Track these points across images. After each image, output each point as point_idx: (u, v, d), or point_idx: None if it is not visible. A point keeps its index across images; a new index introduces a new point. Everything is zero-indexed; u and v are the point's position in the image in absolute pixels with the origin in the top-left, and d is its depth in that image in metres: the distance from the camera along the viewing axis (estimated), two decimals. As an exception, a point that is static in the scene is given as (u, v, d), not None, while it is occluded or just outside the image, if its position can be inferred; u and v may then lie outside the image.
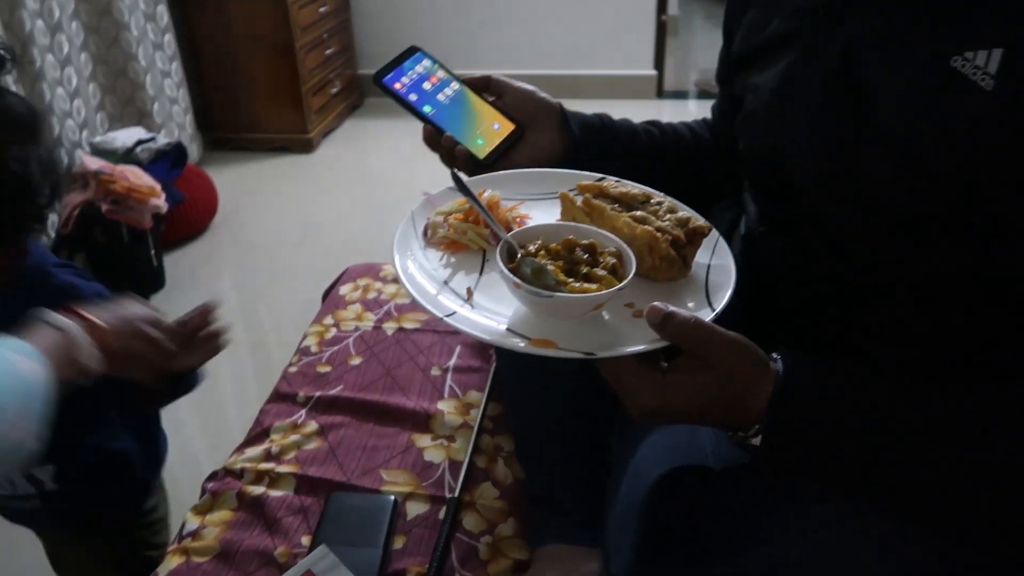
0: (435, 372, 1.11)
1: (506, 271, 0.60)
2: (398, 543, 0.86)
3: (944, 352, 0.64)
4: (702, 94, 4.02)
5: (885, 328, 0.67)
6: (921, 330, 0.65)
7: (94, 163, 2.57)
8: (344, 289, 1.32)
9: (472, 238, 0.73)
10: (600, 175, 0.77)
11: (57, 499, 0.92)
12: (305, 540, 0.86)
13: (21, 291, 0.87)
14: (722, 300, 0.65)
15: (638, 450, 0.77)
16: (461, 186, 0.75)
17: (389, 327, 1.21)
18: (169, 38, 3.22)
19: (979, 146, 0.55)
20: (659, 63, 3.89)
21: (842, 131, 0.64)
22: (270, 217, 3.06)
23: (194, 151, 3.38)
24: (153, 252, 2.59)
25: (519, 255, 0.64)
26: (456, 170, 0.81)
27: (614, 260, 0.64)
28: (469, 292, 0.65)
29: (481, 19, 3.97)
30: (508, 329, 0.61)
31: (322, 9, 3.64)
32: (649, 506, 0.72)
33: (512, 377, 0.98)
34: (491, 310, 0.63)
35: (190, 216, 2.87)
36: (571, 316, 0.62)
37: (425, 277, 0.68)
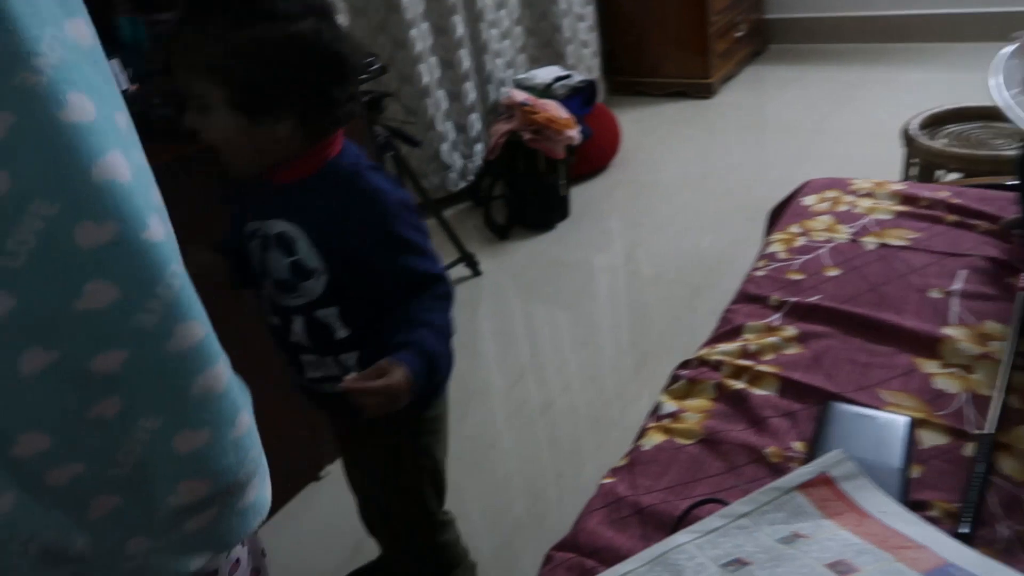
0: (935, 294, 0.94)
1: None
2: (914, 471, 0.72)
3: None
4: None
5: None
6: None
7: (519, 95, 2.76)
8: (808, 200, 1.19)
9: None
10: None
11: None
12: (797, 445, 0.76)
13: (332, 185, 0.93)
14: None
15: None
16: None
17: (869, 242, 1.06)
18: (587, -17, 3.33)
19: None
20: None
21: None
22: (667, 159, 3.03)
23: (600, 92, 3.47)
24: (563, 182, 2.71)
25: None
26: None
27: None
28: None
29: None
30: None
31: (737, -52, 3.47)
32: None
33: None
34: None
35: (595, 152, 2.96)
36: None
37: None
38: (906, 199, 1.14)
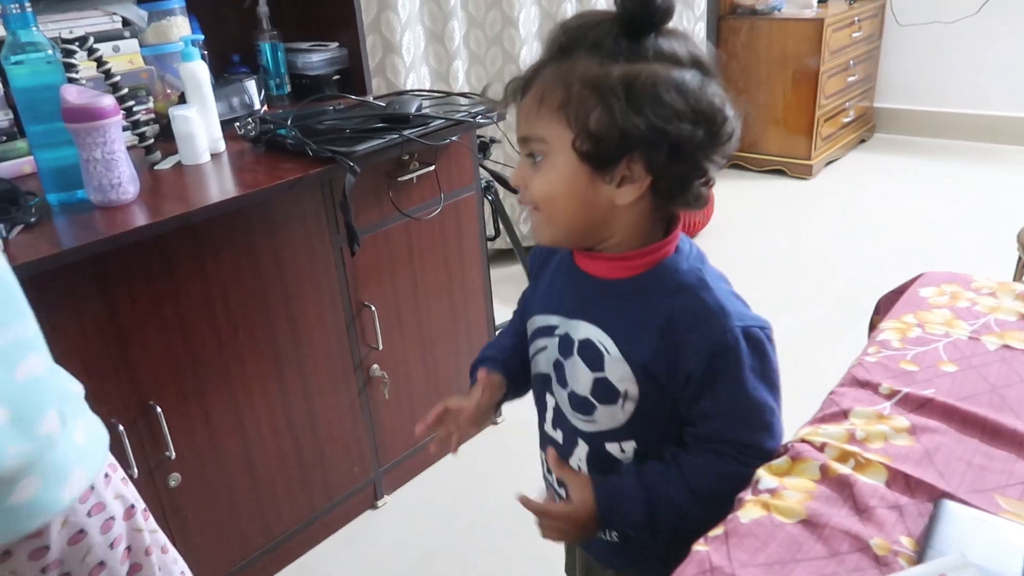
0: (1061, 404, 0.89)
1: None
2: (1035, 586, 0.68)
3: None
4: None
5: None
6: None
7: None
8: (926, 291, 1.16)
9: None
10: None
11: None
12: (905, 540, 0.73)
13: (666, 295, 0.76)
14: None
15: None
16: None
17: (991, 341, 1.02)
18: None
19: None
20: None
21: None
22: (757, 235, 3.00)
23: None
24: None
25: None
26: None
27: None
28: None
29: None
30: None
31: (855, 35, 3.46)
32: None
33: None
34: None
35: (686, 219, 2.96)
36: None
37: None
38: (1030, 302, 1.10)
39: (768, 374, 0.77)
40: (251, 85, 1.74)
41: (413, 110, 1.62)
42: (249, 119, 1.56)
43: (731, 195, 3.34)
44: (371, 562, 1.68)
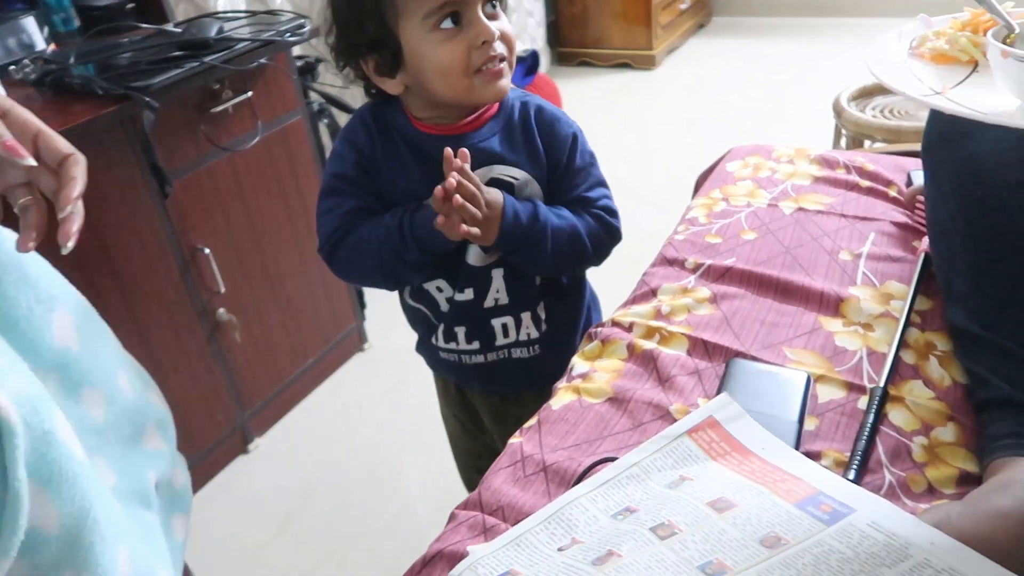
0: (845, 256, 0.96)
1: (992, 40, 0.55)
2: (810, 424, 0.74)
3: None
4: None
5: None
6: None
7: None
8: (732, 166, 1.21)
9: (964, 46, 0.64)
10: None
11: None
12: (702, 401, 0.78)
13: (511, 115, 0.95)
14: None
15: None
16: None
17: (786, 206, 1.08)
18: (533, -50, 3.29)
19: None
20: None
21: None
22: (609, 130, 3.04)
23: (543, 62, 3.46)
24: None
25: (1017, 32, 0.57)
26: None
27: None
28: (945, 90, 0.59)
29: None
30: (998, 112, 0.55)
31: (682, -81, 3.47)
32: None
33: (960, 260, 0.79)
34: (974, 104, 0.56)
35: (537, 122, 2.95)
36: None
37: (896, 70, 0.63)
38: (824, 165, 1.17)
39: None
40: (29, 22, 1.57)
41: (213, 34, 1.51)
42: (27, 61, 1.42)
43: (580, 93, 3.36)
44: (250, 505, 1.66)
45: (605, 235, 0.98)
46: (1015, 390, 0.70)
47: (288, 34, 1.60)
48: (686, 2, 3.67)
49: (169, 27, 1.70)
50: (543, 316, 1.01)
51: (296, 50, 1.86)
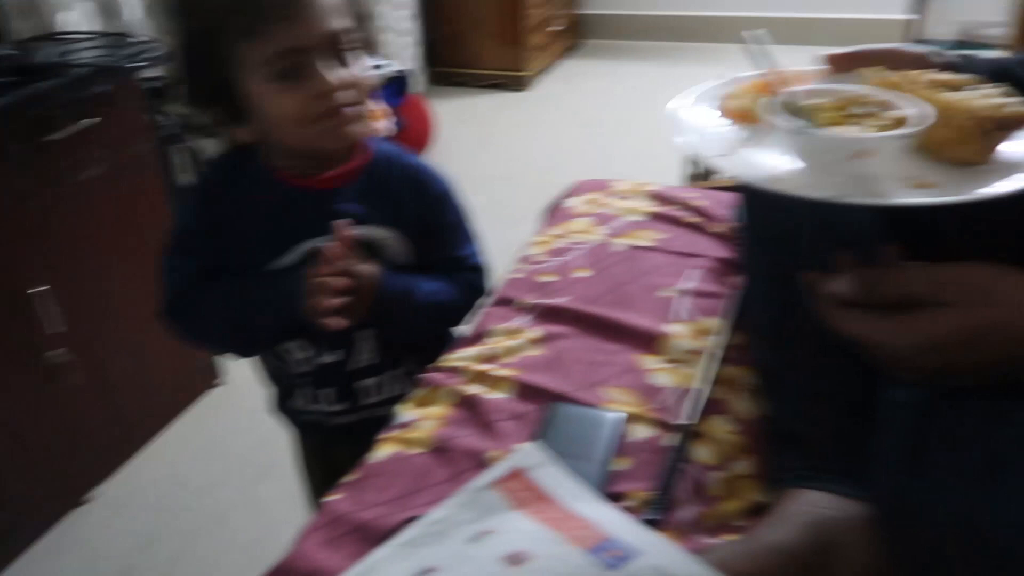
0: (667, 293, 1.00)
1: (769, 109, 0.57)
2: (623, 464, 0.77)
3: None
4: (959, 44, 3.51)
5: None
6: None
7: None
8: (572, 202, 1.24)
9: (757, 107, 0.66)
10: None
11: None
12: (520, 447, 0.79)
13: (377, 173, 0.93)
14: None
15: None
16: (755, 51, 0.66)
17: (619, 243, 1.12)
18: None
19: None
20: (919, 6, 3.44)
21: None
22: (483, 151, 3.07)
23: (419, 82, 3.46)
24: (374, 175, 2.68)
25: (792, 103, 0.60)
26: (753, 34, 0.70)
27: (899, 116, 0.57)
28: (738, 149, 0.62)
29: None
30: (769, 177, 0.57)
31: (550, -55, 3.57)
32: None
33: (761, 298, 0.85)
34: (759, 165, 0.59)
35: (408, 143, 2.92)
36: (832, 160, 0.57)
37: (696, 128, 0.65)
38: (659, 201, 1.22)
39: None
40: None
41: (55, 56, 1.43)
42: None
43: (453, 113, 3.38)
44: (87, 562, 1.56)
45: (474, 296, 1.01)
46: (801, 423, 0.75)
47: (134, 59, 1.54)
48: (557, 24, 3.77)
49: (5, 48, 1.59)
50: (415, 370, 0.98)
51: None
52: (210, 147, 2.52)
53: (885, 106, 0.60)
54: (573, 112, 3.46)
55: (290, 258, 0.91)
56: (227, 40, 0.82)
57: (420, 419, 0.84)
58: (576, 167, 2.87)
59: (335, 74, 0.82)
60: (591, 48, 4.08)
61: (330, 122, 0.84)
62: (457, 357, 0.92)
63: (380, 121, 2.62)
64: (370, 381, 0.99)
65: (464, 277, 0.99)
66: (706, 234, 1.13)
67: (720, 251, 1.09)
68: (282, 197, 0.91)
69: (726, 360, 0.89)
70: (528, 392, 0.86)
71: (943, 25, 3.69)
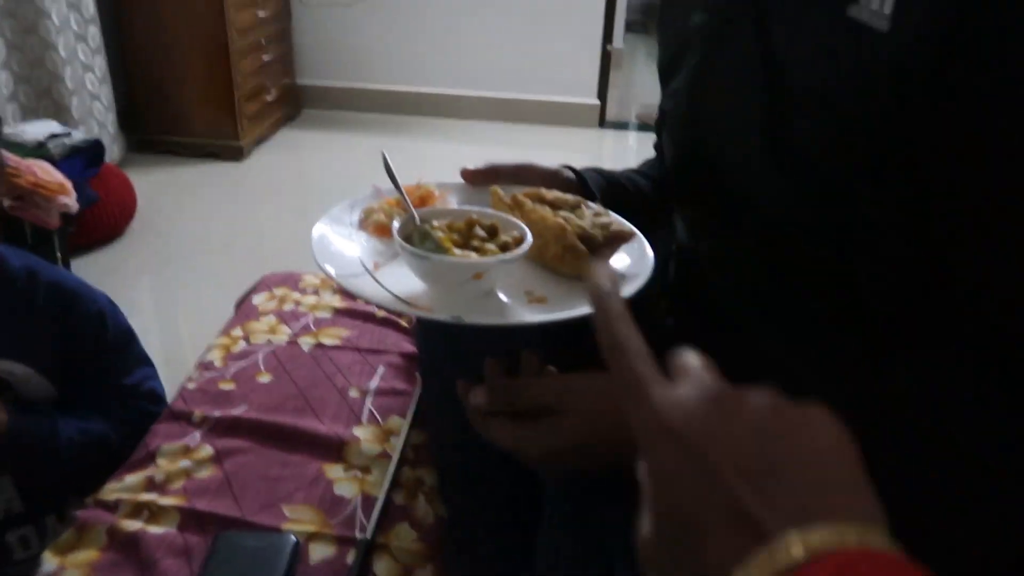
0: (354, 394, 1.00)
1: (396, 235, 0.61)
2: (297, 592, 0.74)
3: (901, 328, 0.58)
4: (643, 126, 4.03)
5: (832, 311, 0.61)
6: (871, 304, 0.59)
7: (-2, 155, 2.37)
8: (258, 299, 1.20)
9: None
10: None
11: None
12: (185, 587, 0.73)
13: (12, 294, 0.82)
14: (633, 288, 0.62)
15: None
16: (388, 171, 0.72)
17: (306, 342, 1.09)
18: (95, 30, 3.04)
19: (880, 89, 0.50)
20: (602, 93, 3.89)
21: (760, 104, 0.61)
22: (193, 224, 2.88)
23: (115, 151, 3.18)
24: (59, 255, 2.39)
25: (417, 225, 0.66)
26: (386, 155, 0.74)
27: (510, 239, 0.64)
28: (376, 266, 0.65)
29: (427, 37, 3.89)
30: (397, 298, 0.61)
31: (261, 13, 3.50)
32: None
33: (437, 399, 0.87)
34: (391, 285, 0.62)
35: (105, 218, 2.67)
36: (454, 282, 0.62)
37: (339, 247, 0.67)
38: (347, 295, 1.22)
39: None
40: None
41: None
42: None
43: (160, 184, 3.15)
44: None
45: (142, 425, 0.91)
46: (474, 525, 0.78)
47: None
48: (272, 93, 3.69)
49: None
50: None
51: None
52: None
53: (499, 228, 0.67)
54: (290, 183, 3.39)
55: None
56: None
57: (64, 568, 0.74)
58: (287, 242, 2.80)
59: None
60: (309, 118, 4.04)
61: None
62: (116, 488, 0.83)
63: (64, 196, 2.36)
64: (15, 534, 0.85)
65: (134, 408, 0.91)
66: (395, 328, 1.15)
67: (407, 345, 1.11)
68: None
69: (409, 461, 0.90)
70: (196, 521, 0.80)
71: (627, 108, 4.22)
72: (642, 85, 4.74)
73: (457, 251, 0.65)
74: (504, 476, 0.80)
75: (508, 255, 0.63)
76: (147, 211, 2.88)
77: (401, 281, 0.65)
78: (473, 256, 0.63)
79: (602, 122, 3.92)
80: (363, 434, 0.93)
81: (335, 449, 0.91)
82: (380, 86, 4.03)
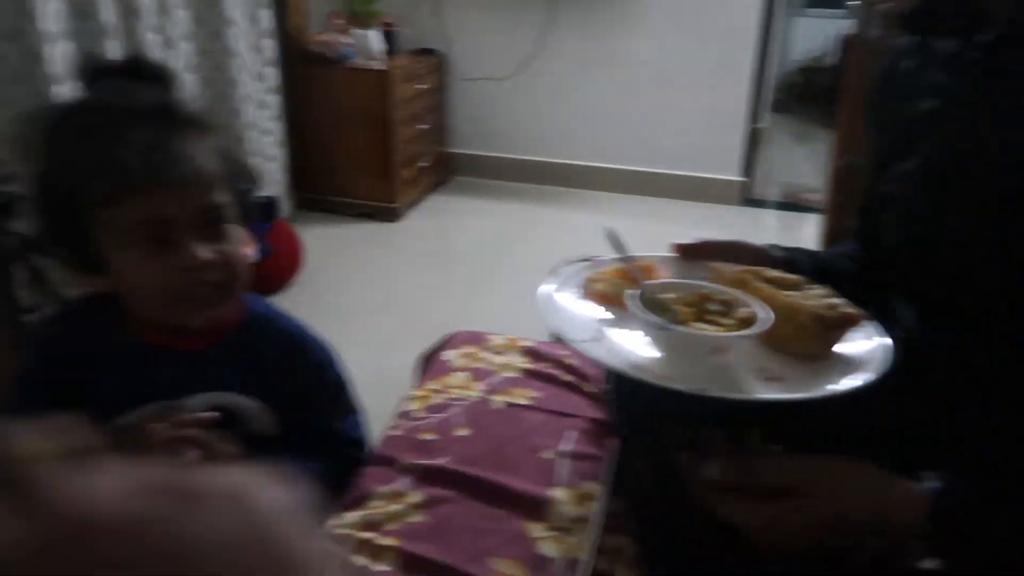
0: (547, 455, 1.02)
1: (634, 305, 0.63)
2: (510, 645, 0.75)
3: None
4: (783, 205, 3.96)
5: None
6: None
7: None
8: (448, 355, 1.26)
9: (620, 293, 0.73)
10: None
11: None
12: (407, 627, 0.76)
13: (251, 336, 0.89)
14: (871, 374, 0.63)
15: None
16: (616, 243, 0.76)
17: (497, 400, 1.13)
18: (275, 99, 3.33)
19: None
20: (748, 170, 3.87)
21: (1000, 194, 0.61)
22: (352, 281, 3.05)
23: (285, 208, 3.44)
24: (236, 301, 2.59)
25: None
26: (612, 229, 0.78)
27: (747, 314, 0.65)
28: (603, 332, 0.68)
29: (575, 110, 4.01)
30: (633, 364, 0.63)
31: (420, 86, 3.73)
32: None
33: (637, 468, 0.89)
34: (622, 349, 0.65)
35: (276, 270, 2.89)
36: (691, 355, 0.63)
37: (567, 312, 0.72)
38: (532, 357, 1.26)
39: None
40: None
41: None
42: None
43: (322, 241, 3.36)
44: None
45: (348, 471, 0.96)
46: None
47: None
48: (426, 160, 3.90)
49: None
50: None
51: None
52: (58, 273, 2.36)
53: (732, 303, 0.69)
54: (441, 247, 3.54)
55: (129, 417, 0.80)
56: (86, 200, 0.75)
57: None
58: (445, 303, 2.91)
59: (204, 249, 0.77)
60: (460, 184, 4.23)
61: (193, 299, 0.78)
62: (340, 524, 0.89)
63: (245, 249, 2.56)
64: None
65: (341, 453, 0.95)
66: (580, 393, 1.18)
67: (594, 411, 1.13)
68: (138, 358, 0.83)
69: (609, 529, 0.91)
70: (413, 564, 0.84)
71: (769, 187, 4.17)
72: (785, 162, 4.69)
73: (696, 324, 0.67)
74: (710, 548, 0.80)
75: (750, 331, 0.65)
76: (312, 265, 3.08)
77: (630, 349, 0.68)
78: (713, 330, 0.65)
79: (745, 200, 3.89)
80: (561, 495, 0.95)
81: (535, 508, 0.93)
82: (527, 156, 4.18)
